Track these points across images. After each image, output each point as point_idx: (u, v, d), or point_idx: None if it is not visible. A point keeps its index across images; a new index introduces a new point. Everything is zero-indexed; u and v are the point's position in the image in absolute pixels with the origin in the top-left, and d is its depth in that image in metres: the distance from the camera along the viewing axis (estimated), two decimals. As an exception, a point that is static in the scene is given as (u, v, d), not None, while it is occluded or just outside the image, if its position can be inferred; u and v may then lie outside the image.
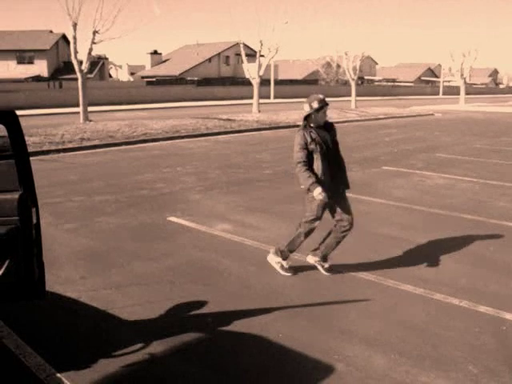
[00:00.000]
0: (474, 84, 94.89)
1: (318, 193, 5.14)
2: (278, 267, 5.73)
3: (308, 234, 5.57)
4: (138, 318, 4.63)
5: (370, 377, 3.77)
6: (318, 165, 5.29)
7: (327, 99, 5.45)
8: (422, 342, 4.27)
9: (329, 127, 5.54)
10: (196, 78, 57.08)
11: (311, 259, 5.80)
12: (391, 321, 4.66)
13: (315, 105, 5.25)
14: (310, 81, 70.52)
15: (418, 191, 10.12)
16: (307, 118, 5.36)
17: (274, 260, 5.75)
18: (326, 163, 5.31)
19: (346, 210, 5.48)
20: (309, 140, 5.25)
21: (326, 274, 5.71)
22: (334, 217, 5.53)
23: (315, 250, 5.74)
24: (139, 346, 4.13)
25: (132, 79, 64.14)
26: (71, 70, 28.41)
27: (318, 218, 5.44)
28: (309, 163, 5.28)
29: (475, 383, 3.70)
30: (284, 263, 5.72)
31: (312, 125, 5.36)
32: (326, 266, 5.75)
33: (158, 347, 4.11)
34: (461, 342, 4.28)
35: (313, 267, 5.85)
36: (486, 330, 4.48)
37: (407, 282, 5.46)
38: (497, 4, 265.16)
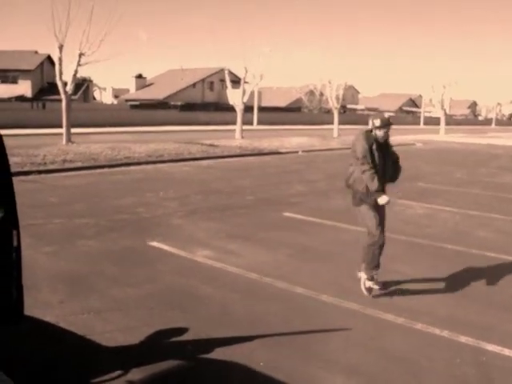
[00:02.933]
0: (454, 115, 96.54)
1: (385, 200, 5.67)
2: (362, 283, 5.91)
3: (377, 244, 5.76)
4: (117, 344, 4.55)
5: (351, 407, 3.74)
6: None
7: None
8: (404, 371, 4.26)
9: (387, 145, 5.83)
10: (180, 103, 57.25)
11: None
12: (373, 350, 4.64)
13: (377, 123, 5.63)
14: (294, 108, 71.19)
15: (399, 220, 10.17)
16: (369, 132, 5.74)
17: (363, 276, 5.91)
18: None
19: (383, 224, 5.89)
20: (373, 149, 5.60)
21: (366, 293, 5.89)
22: None
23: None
24: (118, 373, 4.05)
25: (116, 102, 64.14)
26: (55, 91, 28.28)
27: (378, 226, 5.76)
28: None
29: (456, 415, 3.68)
30: (368, 283, 5.87)
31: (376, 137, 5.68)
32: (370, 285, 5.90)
33: (136, 374, 4.04)
34: (442, 372, 4.28)
35: (297, 295, 5.84)
36: (467, 360, 4.49)
37: (388, 312, 5.45)
38: (476, 39, 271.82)
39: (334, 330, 5.00)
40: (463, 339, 4.87)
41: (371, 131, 5.71)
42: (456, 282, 6.54)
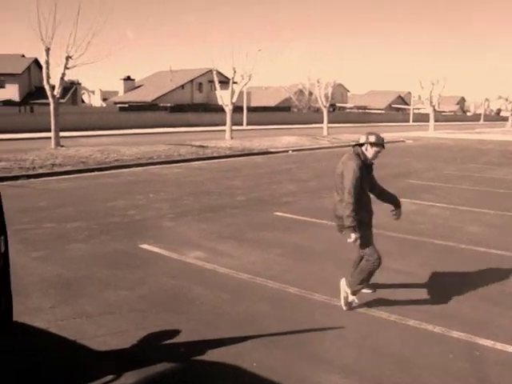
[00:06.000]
0: (443, 111, 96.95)
1: (352, 239, 5.25)
2: (342, 297, 5.50)
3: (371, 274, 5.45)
4: (109, 348, 4.52)
5: (345, 406, 3.73)
6: (365, 200, 5.39)
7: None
8: (397, 369, 4.26)
9: (371, 168, 5.59)
10: (169, 105, 57.14)
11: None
12: (366, 348, 4.64)
13: (372, 139, 5.30)
14: (283, 108, 71.22)
15: (390, 217, 10.18)
16: (358, 148, 5.36)
17: (347, 290, 5.47)
18: (367, 199, 5.47)
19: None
20: (363, 173, 5.27)
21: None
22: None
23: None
24: (110, 377, 4.02)
25: (105, 105, 63.92)
26: (43, 95, 28.12)
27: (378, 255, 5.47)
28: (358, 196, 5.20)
29: (450, 411, 3.68)
30: (351, 297, 5.47)
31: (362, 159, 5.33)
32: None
33: (129, 378, 4.00)
34: (436, 367, 4.28)
35: (289, 295, 5.82)
36: (460, 355, 4.50)
37: (381, 309, 5.46)
38: (463, 36, 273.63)
39: (327, 329, 5.00)
40: (456, 334, 4.88)
41: (357, 153, 5.35)
42: (446, 277, 6.57)
